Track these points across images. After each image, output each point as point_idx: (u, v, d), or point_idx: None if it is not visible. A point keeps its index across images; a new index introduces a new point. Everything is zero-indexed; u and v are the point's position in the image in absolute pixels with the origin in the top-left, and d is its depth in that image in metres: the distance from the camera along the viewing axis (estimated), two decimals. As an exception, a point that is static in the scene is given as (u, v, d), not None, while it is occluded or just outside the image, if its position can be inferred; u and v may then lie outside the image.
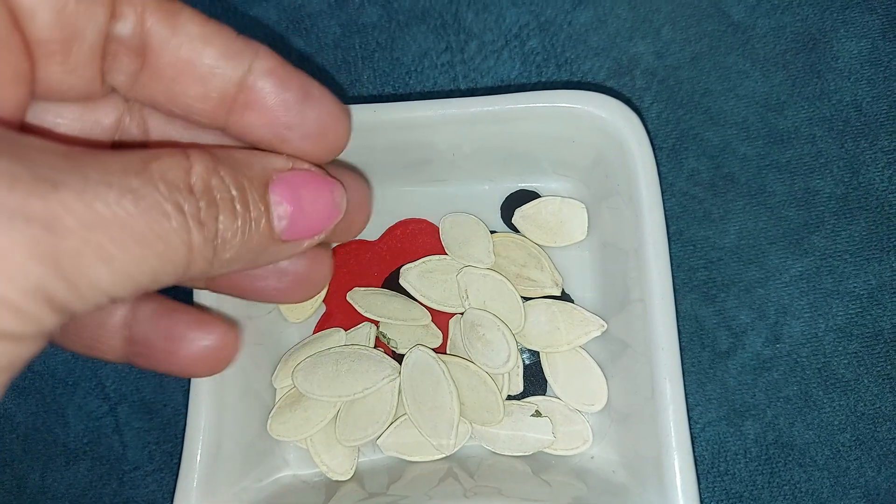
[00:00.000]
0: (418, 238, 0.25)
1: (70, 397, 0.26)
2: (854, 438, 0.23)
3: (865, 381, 0.24)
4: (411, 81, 0.28)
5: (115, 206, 0.11)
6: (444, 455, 0.23)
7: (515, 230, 0.25)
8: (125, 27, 0.14)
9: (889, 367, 0.24)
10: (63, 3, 0.13)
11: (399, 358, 0.24)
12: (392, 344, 0.24)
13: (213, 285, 0.18)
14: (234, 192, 0.13)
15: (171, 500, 0.21)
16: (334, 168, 0.17)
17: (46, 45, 0.14)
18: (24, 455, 0.26)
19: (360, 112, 0.22)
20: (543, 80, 0.28)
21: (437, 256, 0.25)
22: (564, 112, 0.22)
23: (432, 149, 0.24)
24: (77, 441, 0.26)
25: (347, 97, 0.28)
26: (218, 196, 0.13)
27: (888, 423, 0.23)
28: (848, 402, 0.24)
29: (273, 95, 0.15)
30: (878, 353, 0.24)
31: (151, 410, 0.26)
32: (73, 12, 0.14)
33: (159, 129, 0.17)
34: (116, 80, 0.15)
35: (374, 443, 0.23)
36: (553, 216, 0.24)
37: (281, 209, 0.14)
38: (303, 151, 0.16)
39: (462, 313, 0.24)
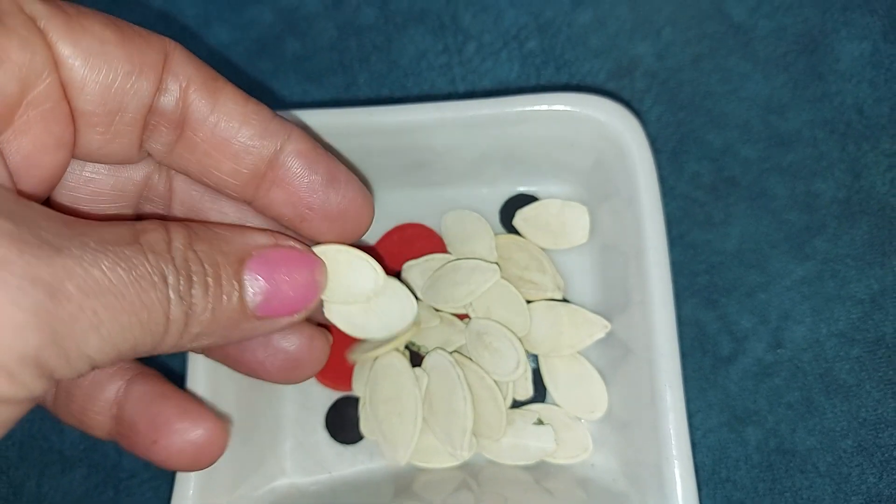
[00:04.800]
0: (416, 242, 0.25)
1: (65, 404, 0.26)
2: (856, 444, 0.23)
3: (867, 386, 0.23)
4: (409, 83, 0.28)
5: (110, 274, 0.12)
6: (458, 463, 0.22)
7: (515, 235, 0.25)
8: (168, 100, 0.15)
9: (891, 373, 0.24)
10: (111, 78, 0.14)
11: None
12: (423, 350, 0.24)
13: (208, 353, 0.18)
14: (207, 267, 0.14)
15: (167, 510, 0.20)
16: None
17: (91, 117, 0.14)
18: (19, 462, 0.26)
19: (356, 115, 0.22)
20: (543, 81, 0.27)
21: (439, 255, 0.24)
22: (563, 115, 0.22)
23: (430, 152, 0.23)
24: (73, 448, 0.26)
25: (343, 100, 0.28)
26: (193, 269, 0.13)
27: (890, 429, 0.23)
28: (850, 408, 0.23)
29: (300, 176, 0.16)
30: (881, 357, 0.24)
31: (147, 417, 0.25)
32: (119, 88, 0.14)
33: (183, 189, 0.17)
34: (153, 147, 0.16)
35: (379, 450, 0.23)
36: (554, 218, 0.24)
37: (256, 286, 0.14)
38: (322, 232, 0.17)
39: (462, 316, 0.24)
